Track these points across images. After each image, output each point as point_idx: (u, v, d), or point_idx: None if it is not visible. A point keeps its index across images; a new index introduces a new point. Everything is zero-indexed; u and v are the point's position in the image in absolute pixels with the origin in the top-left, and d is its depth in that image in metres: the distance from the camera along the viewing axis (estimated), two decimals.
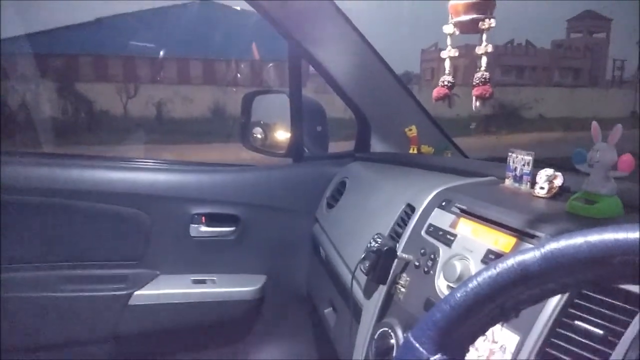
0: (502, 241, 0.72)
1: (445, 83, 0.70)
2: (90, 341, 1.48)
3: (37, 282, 1.41)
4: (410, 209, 0.98)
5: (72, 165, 1.48)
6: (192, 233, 1.51)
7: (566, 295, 0.58)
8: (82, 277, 1.45)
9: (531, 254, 0.36)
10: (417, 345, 0.39)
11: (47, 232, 1.43)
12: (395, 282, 0.89)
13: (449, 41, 0.68)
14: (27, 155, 1.61)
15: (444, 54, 0.70)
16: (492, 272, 0.37)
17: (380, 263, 0.90)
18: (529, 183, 0.88)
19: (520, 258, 0.36)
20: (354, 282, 1.04)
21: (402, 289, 0.86)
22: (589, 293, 0.56)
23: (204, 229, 1.53)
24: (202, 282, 1.52)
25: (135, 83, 13.90)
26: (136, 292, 1.45)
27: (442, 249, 0.82)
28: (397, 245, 0.93)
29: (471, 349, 0.42)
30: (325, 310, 1.35)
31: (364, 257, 0.93)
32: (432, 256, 0.83)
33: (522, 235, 0.70)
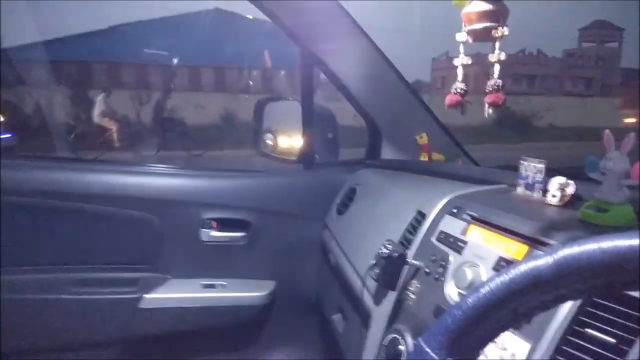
0: (514, 249, 0.72)
1: (458, 90, 0.70)
2: (100, 344, 1.49)
3: (49, 285, 1.42)
4: (421, 215, 0.98)
5: (85, 169, 1.50)
6: (203, 238, 1.52)
7: (578, 303, 0.57)
8: (93, 280, 1.46)
9: (544, 260, 0.36)
10: (428, 349, 0.39)
11: (59, 234, 1.44)
12: (405, 288, 0.89)
13: (462, 49, 0.68)
14: (41, 159, 1.63)
15: (456, 62, 0.70)
16: (505, 277, 0.37)
17: (390, 269, 0.90)
18: (541, 191, 0.88)
19: (533, 264, 0.36)
20: (364, 288, 1.04)
21: (412, 296, 0.86)
22: (600, 301, 0.56)
23: (214, 233, 1.54)
24: (212, 286, 1.53)
25: (148, 90, 14.07)
26: (146, 296, 1.46)
27: (453, 256, 0.82)
28: (408, 251, 0.93)
29: (481, 355, 0.42)
30: (334, 316, 1.34)
31: (374, 264, 0.93)
32: (443, 263, 0.82)
33: (534, 242, 0.69)
